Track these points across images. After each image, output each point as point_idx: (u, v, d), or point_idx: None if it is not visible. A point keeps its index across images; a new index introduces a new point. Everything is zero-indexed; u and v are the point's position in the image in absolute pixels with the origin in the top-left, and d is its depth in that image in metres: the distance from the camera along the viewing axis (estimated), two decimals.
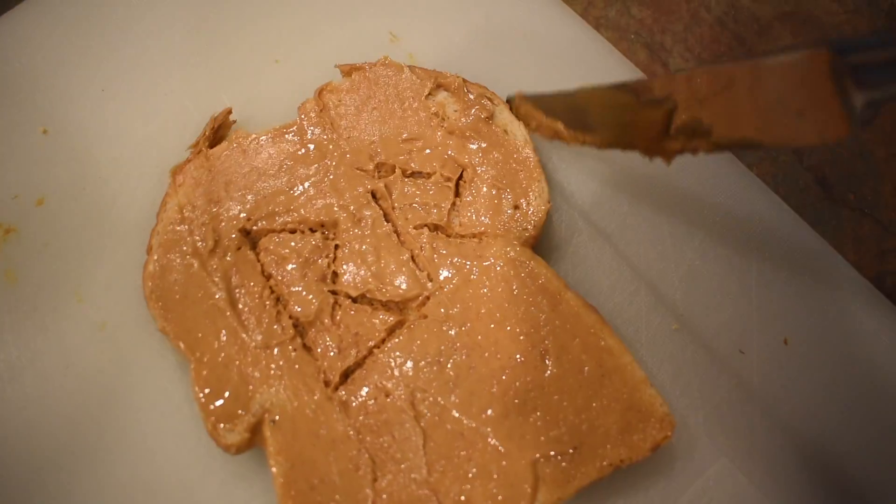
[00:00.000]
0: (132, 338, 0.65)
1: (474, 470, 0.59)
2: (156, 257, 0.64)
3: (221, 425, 0.60)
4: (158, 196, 0.68)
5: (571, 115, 0.62)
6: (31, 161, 0.70)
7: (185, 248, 0.64)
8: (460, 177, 0.67)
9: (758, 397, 0.66)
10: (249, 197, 0.66)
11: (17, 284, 0.66)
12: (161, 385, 0.64)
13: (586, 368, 0.62)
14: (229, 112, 0.69)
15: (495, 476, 0.59)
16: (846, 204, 0.75)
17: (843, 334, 0.67)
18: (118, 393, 0.64)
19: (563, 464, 0.60)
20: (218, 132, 0.69)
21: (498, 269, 0.64)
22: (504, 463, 0.59)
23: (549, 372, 0.62)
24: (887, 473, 0.64)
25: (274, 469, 0.59)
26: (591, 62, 0.75)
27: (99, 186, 0.69)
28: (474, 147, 0.68)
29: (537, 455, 0.59)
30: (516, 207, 0.66)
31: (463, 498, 0.59)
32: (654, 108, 0.57)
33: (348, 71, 0.70)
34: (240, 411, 0.60)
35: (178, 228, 0.65)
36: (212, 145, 0.68)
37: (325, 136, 0.68)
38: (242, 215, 0.65)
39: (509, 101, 0.67)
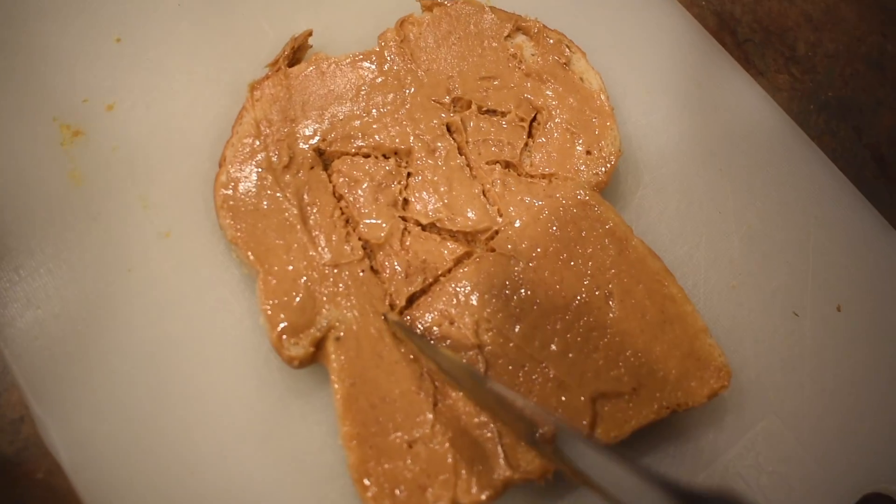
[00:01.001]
0: (196, 247, 0.65)
1: (533, 401, 0.60)
2: (230, 168, 0.64)
3: (286, 337, 0.60)
4: (229, 112, 0.68)
5: (439, 367, 0.59)
6: (103, 67, 0.69)
7: (258, 161, 0.64)
8: (534, 118, 0.68)
9: (808, 359, 0.67)
10: (326, 118, 0.66)
11: (82, 186, 0.66)
12: (223, 296, 0.64)
13: (649, 313, 0.63)
14: (310, 34, 0.69)
15: (554, 408, 0.60)
16: None
17: (894, 305, 0.69)
18: (179, 301, 0.64)
19: (622, 403, 0.60)
20: (297, 53, 0.69)
21: (567, 210, 0.65)
22: (563, 397, 0.60)
23: (612, 314, 0.63)
24: None
25: (336, 385, 0.59)
26: (663, 23, 0.76)
27: (170, 97, 0.69)
28: (550, 91, 0.68)
29: (597, 392, 0.60)
30: (588, 153, 0.67)
31: None
32: (514, 418, 0.54)
33: (429, 5, 0.70)
34: (306, 325, 0.61)
35: (253, 142, 0.65)
36: (290, 65, 0.68)
37: (404, 67, 0.68)
38: (318, 135, 0.66)
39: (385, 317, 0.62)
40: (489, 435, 0.59)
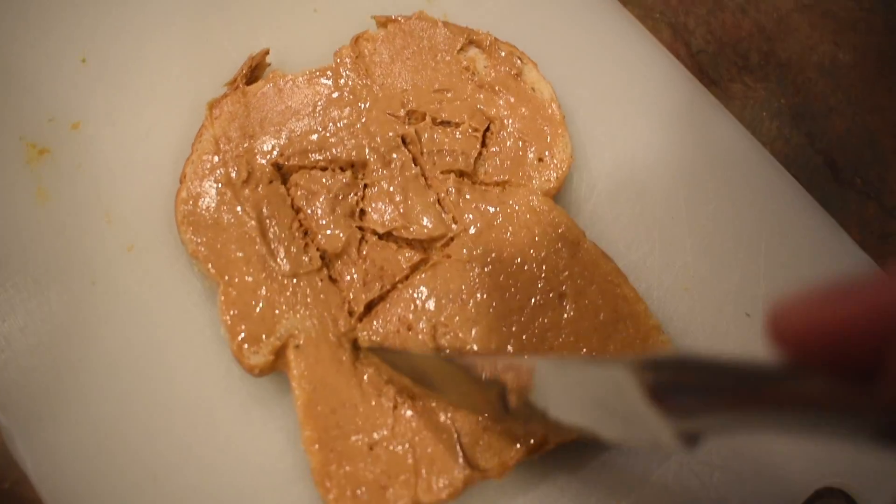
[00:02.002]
0: (159, 261, 0.67)
1: None
2: (189, 184, 0.66)
3: (246, 346, 0.62)
4: (191, 128, 0.70)
5: (415, 375, 0.60)
6: (69, 87, 0.72)
7: (218, 177, 0.66)
8: (487, 128, 0.70)
9: (761, 356, 0.68)
10: (283, 133, 0.68)
11: (48, 202, 0.68)
12: (185, 307, 0.66)
13: (602, 313, 0.64)
14: (267, 52, 0.71)
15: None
16: (853, 187, 0.78)
17: None
18: (142, 312, 0.65)
19: None
20: (255, 71, 0.71)
21: (520, 215, 0.67)
22: None
23: (566, 315, 0.64)
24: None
25: (297, 391, 0.61)
26: (617, 36, 0.78)
27: (134, 116, 0.71)
28: (502, 101, 0.70)
29: None
30: (540, 160, 0.69)
31: (480, 428, 0.61)
32: (485, 387, 0.55)
33: (384, 22, 0.73)
34: (265, 334, 0.62)
35: (213, 158, 0.67)
36: (248, 83, 0.70)
37: (359, 82, 0.70)
38: (276, 150, 0.67)
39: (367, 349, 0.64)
40: (448, 436, 0.60)
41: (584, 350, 0.63)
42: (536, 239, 0.66)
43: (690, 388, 0.38)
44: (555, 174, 0.68)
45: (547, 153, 0.69)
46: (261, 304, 0.63)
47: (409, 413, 0.61)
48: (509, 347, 0.63)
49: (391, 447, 0.60)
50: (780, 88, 0.82)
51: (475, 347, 0.63)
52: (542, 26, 0.77)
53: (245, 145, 0.67)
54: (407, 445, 0.60)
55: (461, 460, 0.59)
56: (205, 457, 0.62)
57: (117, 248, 0.67)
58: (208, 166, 0.67)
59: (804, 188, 0.74)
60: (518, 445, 0.60)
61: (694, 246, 0.70)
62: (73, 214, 0.68)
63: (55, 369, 0.63)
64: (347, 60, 0.70)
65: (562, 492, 0.63)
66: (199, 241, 0.64)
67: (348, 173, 0.67)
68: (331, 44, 0.72)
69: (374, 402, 0.61)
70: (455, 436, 0.60)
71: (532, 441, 0.60)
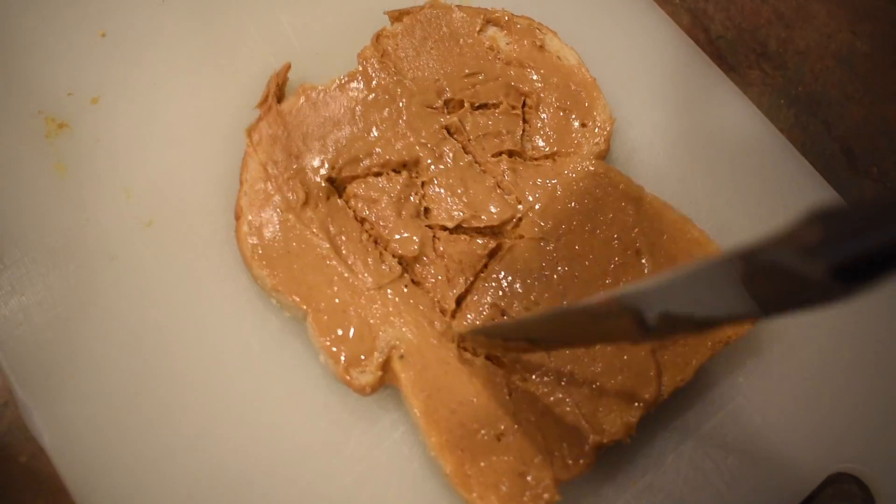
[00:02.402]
0: (177, 236, 0.67)
1: (600, 367, 0.63)
2: (250, 217, 0.64)
3: (352, 369, 0.61)
4: (210, 103, 0.71)
5: (530, 338, 0.59)
6: (88, 61, 0.71)
7: (276, 204, 0.64)
8: (524, 104, 0.70)
9: (775, 344, 0.70)
10: (329, 146, 0.66)
11: (66, 177, 0.67)
12: (203, 283, 0.66)
13: (679, 259, 0.66)
14: (289, 67, 0.69)
15: (621, 369, 0.63)
16: (868, 175, 0.80)
17: None
18: (160, 288, 0.65)
19: (678, 349, 0.64)
20: (280, 88, 0.68)
21: (579, 182, 0.68)
22: (625, 357, 0.63)
23: (646, 269, 0.66)
24: (893, 423, 0.68)
25: (412, 400, 0.60)
26: (636, 20, 0.78)
27: (153, 90, 0.71)
28: (533, 74, 0.71)
29: (653, 344, 0.63)
30: (583, 125, 0.70)
31: (595, 395, 0.62)
32: (616, 316, 0.52)
33: (398, 16, 0.71)
34: (367, 352, 0.61)
35: (266, 186, 0.65)
36: (278, 101, 0.68)
37: (390, 80, 0.69)
38: (326, 165, 0.66)
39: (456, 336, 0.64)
40: (569, 409, 0.61)
41: None
42: (600, 202, 0.67)
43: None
44: (601, 136, 0.69)
45: (589, 117, 0.70)
46: (354, 324, 0.62)
47: (526, 396, 0.62)
48: None
49: (518, 433, 0.61)
50: (797, 76, 0.84)
51: None
52: (557, 9, 0.77)
53: (294, 166, 0.65)
54: (533, 428, 0.61)
55: (588, 429, 0.61)
56: (221, 435, 0.62)
57: (136, 224, 0.67)
58: (263, 195, 0.64)
59: (821, 175, 0.76)
60: (637, 403, 0.62)
61: (710, 231, 0.69)
62: (91, 189, 0.67)
63: (73, 344, 0.63)
64: (373, 60, 0.69)
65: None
66: (275, 274, 0.62)
67: (403, 174, 0.67)
68: (351, 47, 0.71)
69: (489, 394, 0.61)
70: (575, 409, 0.61)
71: (647, 396, 0.62)
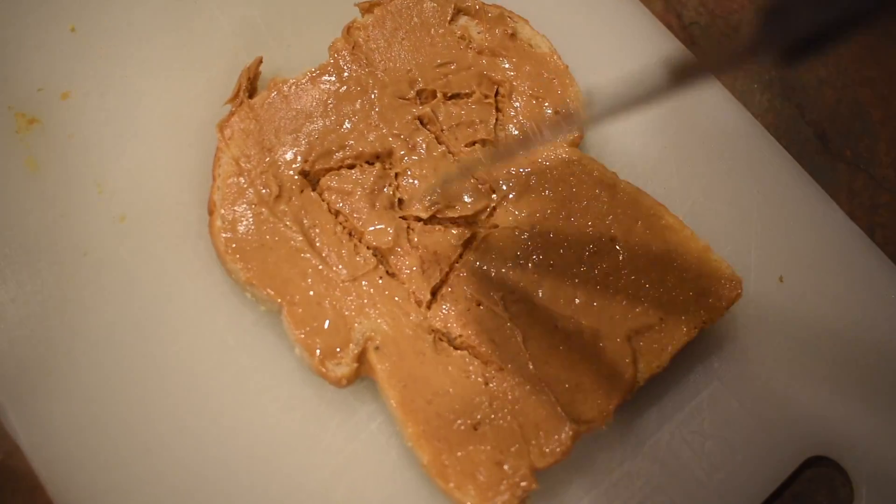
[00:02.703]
0: (151, 231, 0.67)
1: (576, 355, 0.63)
2: (223, 212, 0.64)
3: (328, 362, 0.61)
4: (183, 98, 0.70)
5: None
6: (58, 56, 0.71)
7: (249, 198, 0.64)
8: (497, 93, 0.70)
9: (752, 328, 0.69)
10: (302, 139, 0.66)
11: (38, 173, 0.67)
12: (178, 278, 0.66)
13: (654, 246, 0.66)
14: (260, 61, 0.68)
15: (596, 356, 0.63)
16: (843, 159, 0.80)
17: (834, 276, 0.72)
18: (134, 284, 0.65)
19: (655, 335, 0.64)
20: (252, 82, 0.68)
21: (553, 171, 0.68)
22: (601, 344, 0.63)
23: (621, 255, 0.66)
24: (870, 407, 0.68)
25: (389, 391, 0.60)
26: (606, 3, 0.78)
27: (125, 85, 0.71)
28: (506, 63, 0.70)
29: (630, 330, 0.63)
30: (556, 112, 0.70)
31: (572, 382, 0.62)
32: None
33: (368, 7, 0.71)
34: (342, 344, 0.61)
35: (238, 181, 0.65)
36: (250, 96, 0.67)
37: (362, 72, 0.68)
38: (299, 158, 0.66)
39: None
40: (545, 398, 0.61)
41: (647, 285, 0.65)
42: (574, 190, 0.67)
43: None
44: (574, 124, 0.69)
45: (562, 105, 0.70)
46: (329, 316, 0.62)
47: (502, 386, 0.62)
48: (576, 300, 0.64)
49: (495, 422, 0.61)
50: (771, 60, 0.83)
51: (546, 308, 0.64)
52: None
53: (267, 160, 0.65)
54: (509, 417, 0.61)
55: (564, 417, 0.61)
56: (198, 430, 0.62)
57: (109, 219, 0.67)
58: (236, 189, 0.64)
59: (795, 159, 0.76)
60: (613, 390, 0.62)
61: (686, 217, 0.69)
62: (64, 185, 0.67)
63: (47, 340, 0.63)
64: (345, 52, 0.69)
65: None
66: (249, 267, 0.62)
67: (377, 166, 0.66)
68: (321, 39, 0.70)
69: (465, 384, 0.61)
70: (551, 397, 0.61)
71: (623, 383, 0.62)
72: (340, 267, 0.63)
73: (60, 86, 0.70)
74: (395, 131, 0.67)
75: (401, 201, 0.66)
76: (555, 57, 0.71)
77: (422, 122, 0.68)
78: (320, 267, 0.63)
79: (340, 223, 0.65)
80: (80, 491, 0.60)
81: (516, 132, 0.69)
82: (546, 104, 0.70)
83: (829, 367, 0.69)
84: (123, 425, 0.62)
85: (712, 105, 0.76)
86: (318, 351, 0.61)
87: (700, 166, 0.74)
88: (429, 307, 0.63)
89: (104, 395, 0.62)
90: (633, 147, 0.74)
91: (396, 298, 0.63)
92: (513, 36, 0.71)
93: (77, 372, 0.62)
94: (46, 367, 0.62)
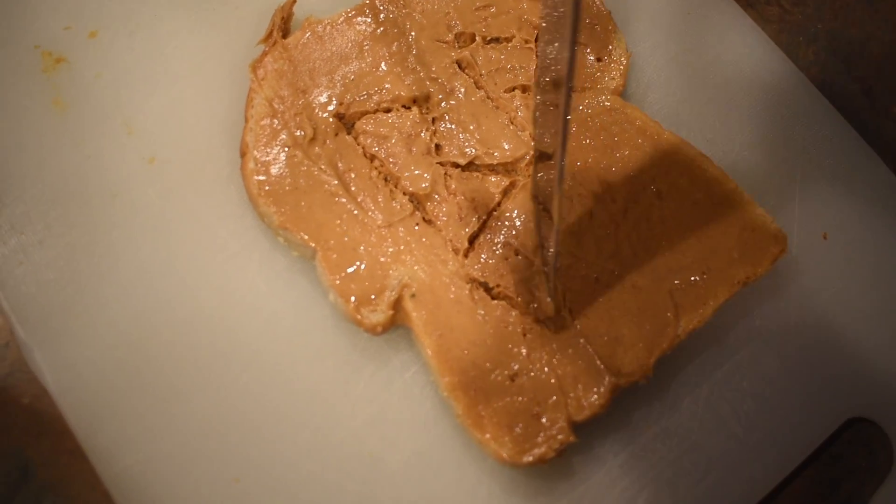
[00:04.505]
0: (181, 173, 0.65)
1: (616, 308, 0.61)
2: (255, 154, 0.62)
3: (363, 308, 0.59)
4: (211, 37, 0.68)
5: None
6: None
7: (283, 140, 0.62)
8: (537, 38, 0.68)
9: (794, 286, 0.68)
10: (337, 81, 0.64)
11: (66, 113, 0.65)
12: (208, 222, 0.64)
13: (698, 198, 0.64)
14: (294, 1, 0.66)
15: (637, 310, 0.61)
16: (888, 115, 0.77)
17: (878, 233, 0.70)
18: (164, 227, 0.64)
19: (697, 289, 0.62)
20: (286, 23, 0.66)
21: (595, 119, 0.66)
22: (642, 297, 0.61)
23: (664, 207, 0.64)
24: None
25: (424, 340, 0.59)
26: None
27: (153, 24, 0.69)
28: None
29: (672, 284, 0.62)
30: (599, 59, 0.68)
31: (611, 335, 0.60)
32: None
33: None
34: (377, 291, 0.60)
35: (272, 122, 0.63)
36: (283, 36, 0.65)
37: (399, 13, 0.66)
38: (334, 101, 0.64)
39: None
40: (584, 349, 0.60)
41: (689, 239, 0.63)
42: (616, 139, 0.65)
43: None
44: (617, 71, 0.67)
45: (604, 52, 0.68)
46: (365, 262, 0.60)
47: (540, 337, 0.60)
48: (618, 252, 0.62)
49: (532, 374, 0.59)
50: (817, 13, 0.80)
51: (587, 259, 0.62)
52: None
53: (301, 101, 0.63)
54: (547, 369, 0.59)
55: (603, 369, 0.59)
56: (228, 376, 0.60)
57: (139, 161, 0.65)
58: (269, 131, 0.62)
59: (840, 114, 0.74)
60: (653, 344, 0.60)
61: (728, 169, 0.67)
62: (92, 125, 0.65)
63: (75, 283, 0.61)
64: None
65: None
66: (282, 211, 0.61)
67: (414, 110, 0.64)
68: None
69: (502, 334, 0.60)
70: (590, 349, 0.60)
71: (664, 337, 0.61)
72: (376, 212, 0.61)
73: (88, 24, 0.68)
74: (433, 75, 0.65)
75: (438, 147, 0.64)
76: (597, 2, 0.69)
77: (460, 66, 0.66)
78: (355, 212, 0.61)
79: (376, 168, 0.63)
80: (107, 435, 0.58)
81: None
82: (588, 50, 0.67)
83: (871, 328, 0.67)
84: (152, 369, 0.60)
85: (757, 57, 0.74)
86: (352, 297, 0.59)
87: (743, 119, 0.72)
88: (466, 255, 0.62)
89: (132, 339, 0.61)
90: (675, 97, 0.72)
91: (433, 246, 0.61)
92: None
93: (105, 315, 0.61)
94: (74, 309, 0.61)
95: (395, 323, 0.61)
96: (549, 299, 0.60)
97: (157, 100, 0.67)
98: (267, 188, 0.61)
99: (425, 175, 0.63)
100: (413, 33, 0.66)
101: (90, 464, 0.58)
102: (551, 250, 0.60)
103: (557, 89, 0.58)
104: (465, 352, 0.59)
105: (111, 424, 0.59)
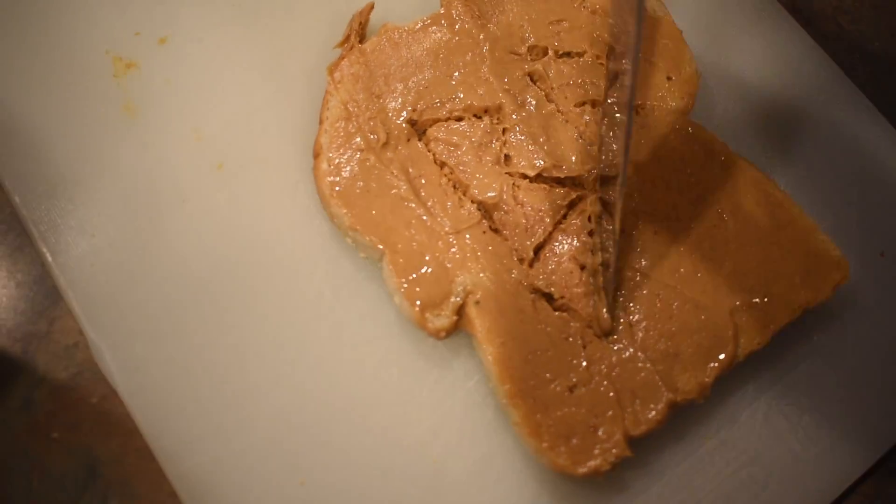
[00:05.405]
0: (249, 179, 0.66)
1: (676, 325, 0.62)
2: (329, 155, 0.63)
3: (428, 312, 0.60)
4: (279, 45, 0.69)
5: None
6: (155, 1, 0.70)
7: (357, 144, 0.63)
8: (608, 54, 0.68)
9: (851, 304, 0.68)
10: (411, 88, 0.65)
11: (136, 118, 0.67)
12: (277, 227, 0.65)
13: (762, 222, 0.65)
14: (372, 7, 0.67)
15: (697, 329, 0.62)
16: None
17: None
18: (232, 231, 0.65)
19: (758, 312, 0.62)
20: (363, 28, 0.67)
21: (664, 137, 0.66)
22: (703, 316, 0.62)
23: (728, 228, 0.64)
24: None
25: (486, 346, 0.60)
26: None
27: (222, 30, 0.70)
28: None
29: (734, 305, 0.62)
30: (669, 79, 0.68)
31: (671, 353, 0.61)
32: None
33: None
34: (443, 296, 0.61)
35: (346, 126, 0.64)
36: (360, 41, 0.67)
37: (474, 24, 0.67)
38: (408, 107, 0.65)
39: None
40: (643, 364, 0.61)
41: (752, 261, 0.64)
42: (684, 158, 0.66)
43: None
44: (687, 91, 0.68)
45: (675, 71, 0.68)
46: (431, 267, 0.61)
47: (600, 350, 0.61)
48: (681, 270, 0.63)
49: (591, 386, 0.60)
50: (874, 31, 0.81)
51: (649, 276, 0.63)
52: None
53: (375, 106, 0.64)
54: (606, 382, 0.60)
55: (662, 386, 0.60)
56: (294, 380, 0.61)
57: (207, 167, 0.66)
58: (343, 134, 0.64)
59: None
60: (712, 364, 0.61)
61: (787, 186, 0.68)
62: (161, 131, 0.67)
63: (144, 286, 0.63)
64: (458, 4, 0.67)
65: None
66: (353, 213, 0.62)
67: (485, 120, 0.65)
68: None
69: (563, 345, 0.61)
70: (650, 365, 0.60)
71: (723, 357, 0.61)
72: (444, 218, 0.63)
73: (158, 30, 0.69)
74: (505, 86, 0.66)
75: (507, 157, 0.65)
76: (670, 21, 0.69)
77: (532, 79, 0.67)
78: (424, 217, 0.62)
79: (446, 175, 0.64)
80: (174, 435, 0.59)
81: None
82: (658, 68, 0.68)
83: None
84: (219, 373, 0.61)
85: (815, 74, 0.75)
86: (418, 301, 0.60)
87: (802, 136, 0.73)
88: (531, 266, 0.63)
89: (201, 342, 0.62)
90: (736, 113, 0.73)
91: (499, 255, 0.62)
92: None
93: (174, 317, 0.62)
94: (144, 311, 0.62)
95: (459, 328, 0.62)
96: (606, 314, 0.61)
97: (226, 106, 0.68)
98: (338, 189, 0.62)
99: (494, 184, 0.63)
100: (487, 45, 0.67)
101: (157, 463, 0.59)
102: (611, 266, 0.61)
103: (623, 108, 0.59)
104: (526, 360, 0.60)
105: (178, 424, 0.60)
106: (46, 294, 0.66)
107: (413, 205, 0.63)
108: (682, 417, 0.63)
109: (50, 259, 0.62)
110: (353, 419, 0.61)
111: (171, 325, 0.62)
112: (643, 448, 0.61)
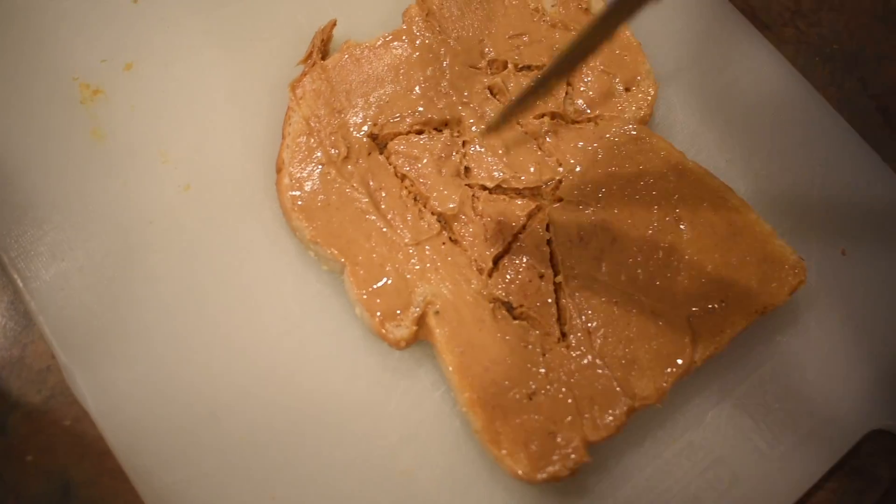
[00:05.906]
0: (216, 200, 0.67)
1: (634, 332, 0.63)
2: (291, 170, 0.64)
3: (387, 323, 0.61)
4: (245, 68, 0.71)
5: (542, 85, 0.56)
6: (121, 27, 0.71)
7: (317, 158, 0.65)
8: None
9: (814, 301, 0.69)
10: (372, 103, 0.67)
11: (104, 143, 0.68)
12: (243, 246, 0.66)
13: (718, 228, 0.66)
14: (334, 24, 0.69)
15: (655, 335, 0.63)
16: None
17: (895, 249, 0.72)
18: (200, 252, 0.66)
19: (714, 317, 0.63)
20: (325, 45, 0.69)
21: (621, 147, 0.67)
22: (660, 322, 0.63)
23: (685, 235, 0.65)
24: None
25: (446, 356, 0.61)
26: None
27: (188, 56, 0.71)
28: None
29: (691, 311, 0.63)
30: (627, 90, 0.69)
31: (628, 359, 0.62)
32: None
33: None
34: (403, 306, 0.62)
35: (308, 140, 0.65)
36: (322, 58, 0.68)
37: (434, 39, 0.69)
38: (368, 121, 0.66)
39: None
40: (601, 371, 0.61)
41: (709, 267, 0.65)
42: (641, 167, 0.67)
43: None
44: (645, 101, 0.69)
45: (633, 82, 0.69)
46: (392, 278, 0.62)
47: (559, 358, 0.62)
48: (639, 278, 0.64)
49: (550, 393, 0.61)
50: (832, 34, 0.82)
51: (607, 284, 0.63)
52: None
53: (336, 121, 0.66)
54: (564, 389, 0.61)
55: (620, 392, 0.61)
56: (265, 397, 0.62)
57: (174, 188, 0.67)
58: (305, 149, 0.65)
59: (857, 133, 0.75)
60: (669, 369, 0.62)
61: (747, 189, 0.70)
62: (129, 154, 0.68)
63: (115, 308, 0.64)
64: (418, 19, 0.69)
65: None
66: (314, 226, 0.63)
67: (445, 133, 0.67)
68: (395, 6, 0.71)
69: (522, 354, 0.62)
70: (607, 371, 0.61)
71: (680, 361, 0.62)
72: (404, 230, 0.64)
73: (124, 57, 0.70)
74: (465, 100, 0.67)
75: (467, 169, 0.66)
76: (627, 33, 0.71)
77: (492, 92, 0.68)
78: (384, 229, 0.64)
79: (406, 187, 0.65)
80: (147, 456, 0.60)
81: (582, 107, 0.69)
82: (617, 80, 0.69)
83: (891, 340, 0.69)
84: (190, 392, 0.62)
85: (775, 78, 0.76)
86: (378, 312, 0.61)
87: (762, 139, 0.74)
88: (490, 275, 0.64)
89: (171, 362, 0.63)
90: (695, 119, 0.74)
91: (458, 265, 0.63)
92: (586, 10, 0.71)
93: (144, 339, 0.63)
94: (114, 333, 0.63)
95: (419, 338, 0.63)
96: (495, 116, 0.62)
97: (192, 129, 0.69)
98: (300, 203, 0.64)
99: (453, 196, 0.65)
100: (447, 59, 0.68)
101: (130, 483, 0.60)
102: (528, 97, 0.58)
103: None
104: (486, 369, 0.61)
105: (151, 445, 0.61)
106: (18, 320, 0.67)
107: (373, 217, 0.64)
108: (648, 420, 0.64)
109: (21, 285, 0.63)
110: (323, 433, 0.62)
111: (141, 346, 0.63)
112: (611, 453, 0.62)
